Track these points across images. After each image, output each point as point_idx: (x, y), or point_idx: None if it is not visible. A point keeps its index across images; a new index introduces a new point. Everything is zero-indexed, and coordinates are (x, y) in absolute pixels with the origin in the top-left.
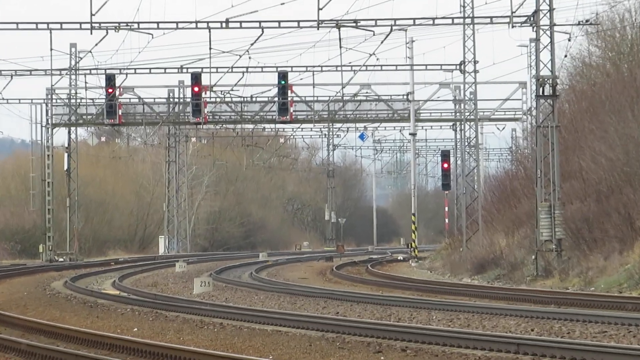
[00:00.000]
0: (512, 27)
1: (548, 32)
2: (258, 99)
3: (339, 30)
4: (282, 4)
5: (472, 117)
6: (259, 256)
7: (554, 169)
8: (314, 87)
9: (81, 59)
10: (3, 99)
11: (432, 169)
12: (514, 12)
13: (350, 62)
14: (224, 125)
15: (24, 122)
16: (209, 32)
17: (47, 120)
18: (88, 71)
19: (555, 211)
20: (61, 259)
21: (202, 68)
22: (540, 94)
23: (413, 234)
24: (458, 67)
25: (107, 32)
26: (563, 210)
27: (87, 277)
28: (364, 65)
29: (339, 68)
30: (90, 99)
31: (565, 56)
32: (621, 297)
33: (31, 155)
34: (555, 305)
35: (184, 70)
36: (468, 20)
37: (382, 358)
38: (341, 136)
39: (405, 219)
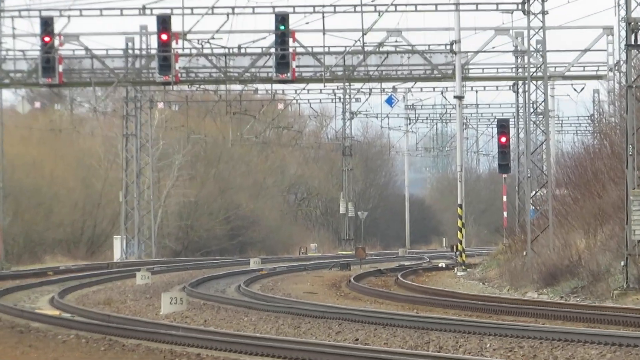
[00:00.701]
0: None
1: None
2: (248, 51)
3: None
4: None
5: (539, 74)
6: (250, 263)
7: None
8: (324, 34)
9: None
10: None
11: (486, 145)
12: None
13: (373, 0)
14: (201, 86)
15: None
16: None
17: None
18: (16, 12)
19: None
20: None
21: (171, 8)
22: (633, 42)
23: (460, 233)
24: (520, 6)
25: None
26: None
27: (15, 292)
28: (392, 5)
29: (358, 8)
30: (20, 50)
31: None
32: None
33: None
34: None
35: (148, 11)
36: None
37: None
38: (361, 100)
39: (449, 212)
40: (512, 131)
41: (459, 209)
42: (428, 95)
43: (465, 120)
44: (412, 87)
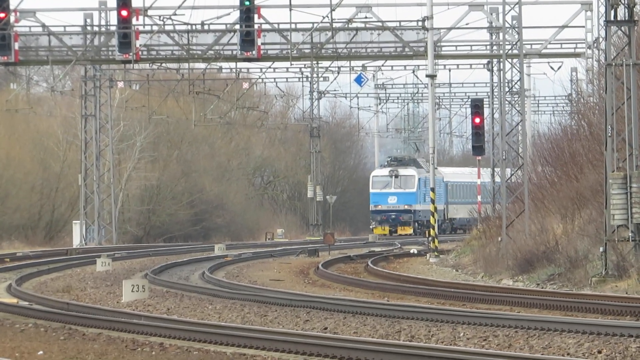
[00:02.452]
0: None
1: None
2: (212, 27)
3: None
4: None
5: (515, 51)
6: (215, 249)
7: (632, 125)
8: (290, 9)
9: None
10: None
11: (459, 126)
12: None
13: None
14: (163, 65)
15: None
16: None
17: None
18: None
19: (632, 185)
20: None
21: None
22: (612, 18)
23: (432, 218)
24: None
25: None
26: None
27: None
28: None
29: None
30: None
31: None
32: None
33: None
34: (631, 317)
35: None
36: None
37: None
38: (330, 79)
39: None
40: (486, 111)
41: (431, 192)
42: (399, 74)
43: (437, 100)
44: (383, 65)
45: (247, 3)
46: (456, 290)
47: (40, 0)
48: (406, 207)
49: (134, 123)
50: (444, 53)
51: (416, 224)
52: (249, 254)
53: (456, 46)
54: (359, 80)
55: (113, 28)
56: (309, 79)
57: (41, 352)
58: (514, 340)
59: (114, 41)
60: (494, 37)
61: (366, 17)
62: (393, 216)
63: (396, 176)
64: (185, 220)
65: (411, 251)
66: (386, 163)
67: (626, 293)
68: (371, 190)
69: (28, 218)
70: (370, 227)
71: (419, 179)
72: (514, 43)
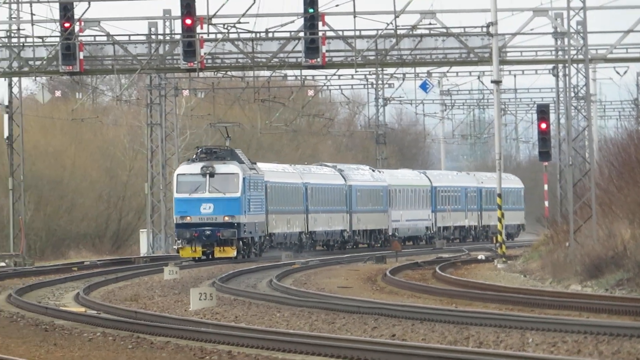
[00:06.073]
0: None
1: None
2: (276, 35)
3: None
4: None
5: (580, 56)
6: (282, 256)
7: None
8: (354, 16)
9: None
10: None
11: (525, 131)
12: None
13: None
14: (228, 73)
15: None
16: None
17: None
18: None
19: None
20: (2, 264)
21: None
22: None
23: (499, 224)
24: None
25: None
26: None
27: (39, 289)
28: None
29: None
30: (39, 37)
31: None
32: None
33: None
34: None
35: None
36: None
37: None
38: (395, 86)
39: None
40: (552, 117)
41: (498, 198)
42: (464, 80)
43: (503, 106)
44: (448, 71)
45: (311, 10)
46: (524, 296)
47: (105, 9)
48: (227, 218)
49: (200, 131)
50: (509, 59)
51: (241, 242)
52: (317, 261)
53: (521, 52)
54: (424, 86)
55: (177, 36)
56: (374, 85)
57: None
58: (582, 346)
59: (179, 50)
60: (559, 42)
61: (430, 24)
62: (208, 232)
63: (211, 175)
64: None
65: (479, 257)
66: (195, 156)
67: None
68: (175, 195)
69: (95, 227)
70: (174, 247)
71: (244, 178)
72: (579, 48)
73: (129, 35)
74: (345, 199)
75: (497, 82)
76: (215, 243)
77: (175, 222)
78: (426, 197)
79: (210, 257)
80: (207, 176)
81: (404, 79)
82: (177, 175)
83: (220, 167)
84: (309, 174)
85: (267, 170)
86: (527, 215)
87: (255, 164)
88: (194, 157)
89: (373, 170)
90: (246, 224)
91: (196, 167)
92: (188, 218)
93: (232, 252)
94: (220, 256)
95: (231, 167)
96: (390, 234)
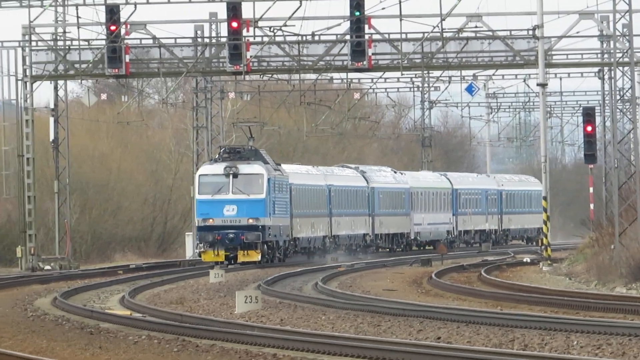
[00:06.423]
0: None
1: None
2: (322, 38)
3: None
4: None
5: (626, 59)
6: (327, 259)
7: None
8: (401, 19)
9: None
10: None
11: (571, 134)
12: None
13: None
14: (274, 76)
15: None
16: None
17: (24, 70)
18: (81, 0)
19: None
20: (48, 267)
21: None
22: None
23: (545, 226)
24: None
25: None
26: None
27: (84, 292)
28: None
29: None
30: (85, 40)
31: None
32: None
33: (2, 120)
34: None
35: None
36: None
37: None
38: (441, 89)
39: None
40: (598, 120)
41: (543, 201)
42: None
43: (549, 109)
44: (494, 74)
45: (357, 13)
46: (569, 299)
47: (151, 12)
48: (251, 221)
49: (246, 134)
50: (555, 62)
51: (266, 246)
52: (362, 264)
53: (567, 55)
54: (470, 89)
55: (224, 40)
56: (420, 88)
57: None
58: (627, 349)
59: (225, 52)
60: (604, 45)
61: (476, 27)
62: (231, 235)
63: (235, 175)
64: None
65: (524, 260)
66: (218, 156)
67: None
68: (197, 197)
69: (141, 230)
70: (196, 250)
71: (269, 179)
72: (625, 51)
73: (175, 38)
74: (368, 202)
75: (543, 85)
76: (238, 247)
77: (197, 224)
78: (447, 200)
79: (233, 261)
80: (231, 177)
81: (449, 82)
82: (199, 175)
83: (244, 168)
84: (332, 176)
85: (291, 172)
86: (572, 218)
87: (280, 165)
88: (217, 157)
89: (395, 172)
90: (271, 226)
91: (219, 168)
92: (210, 220)
93: (256, 257)
94: (244, 260)
95: (256, 168)
96: (412, 237)
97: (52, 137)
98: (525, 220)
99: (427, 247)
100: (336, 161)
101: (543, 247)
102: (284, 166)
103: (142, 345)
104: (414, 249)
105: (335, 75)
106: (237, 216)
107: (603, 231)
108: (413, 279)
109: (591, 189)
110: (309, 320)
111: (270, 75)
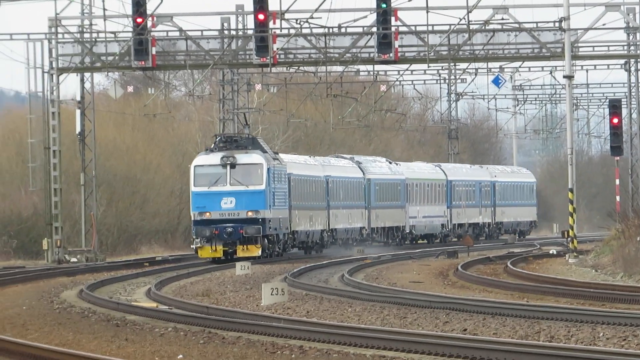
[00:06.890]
0: None
1: None
2: (349, 30)
3: None
4: None
5: None
6: (353, 251)
7: None
8: (427, 11)
9: None
10: None
11: (597, 126)
12: None
13: None
14: (301, 68)
15: (17, 66)
16: None
17: (51, 63)
18: None
19: None
20: (74, 259)
21: None
22: None
23: (571, 218)
24: None
25: None
26: None
27: (110, 284)
28: None
29: None
30: (112, 32)
31: None
32: None
33: (29, 113)
34: None
35: None
36: None
37: None
38: (467, 81)
39: (560, 197)
40: (624, 112)
41: (569, 193)
42: (536, 75)
43: (575, 101)
44: (520, 66)
45: (383, 6)
46: (595, 291)
47: (177, 4)
48: (250, 214)
49: (272, 126)
50: (581, 54)
51: (266, 240)
52: (389, 256)
53: (593, 47)
54: (496, 81)
55: (250, 32)
56: (447, 80)
57: (181, 356)
58: None
59: (251, 45)
60: (631, 37)
61: (503, 19)
62: (230, 229)
63: (233, 166)
64: None
65: (550, 252)
66: (214, 145)
67: None
68: (193, 189)
69: (167, 222)
70: (192, 246)
71: (268, 169)
72: None
73: (202, 31)
74: (364, 194)
75: (570, 77)
76: (238, 241)
77: (192, 218)
78: (442, 191)
79: (231, 257)
80: (228, 167)
81: (476, 74)
82: (195, 166)
83: (242, 157)
84: (330, 167)
85: (290, 162)
86: (599, 210)
87: (278, 154)
88: (212, 146)
89: (390, 163)
90: (271, 219)
91: (215, 158)
92: (207, 214)
93: (256, 251)
94: (244, 256)
95: (254, 157)
96: (407, 231)
97: (78, 129)
98: (517, 213)
99: (420, 242)
100: (363, 154)
101: (569, 239)
102: (282, 155)
103: (168, 337)
104: (406, 244)
105: (362, 67)
106: (235, 209)
107: (629, 223)
108: (439, 271)
109: (617, 181)
110: (335, 312)
111: (296, 68)
